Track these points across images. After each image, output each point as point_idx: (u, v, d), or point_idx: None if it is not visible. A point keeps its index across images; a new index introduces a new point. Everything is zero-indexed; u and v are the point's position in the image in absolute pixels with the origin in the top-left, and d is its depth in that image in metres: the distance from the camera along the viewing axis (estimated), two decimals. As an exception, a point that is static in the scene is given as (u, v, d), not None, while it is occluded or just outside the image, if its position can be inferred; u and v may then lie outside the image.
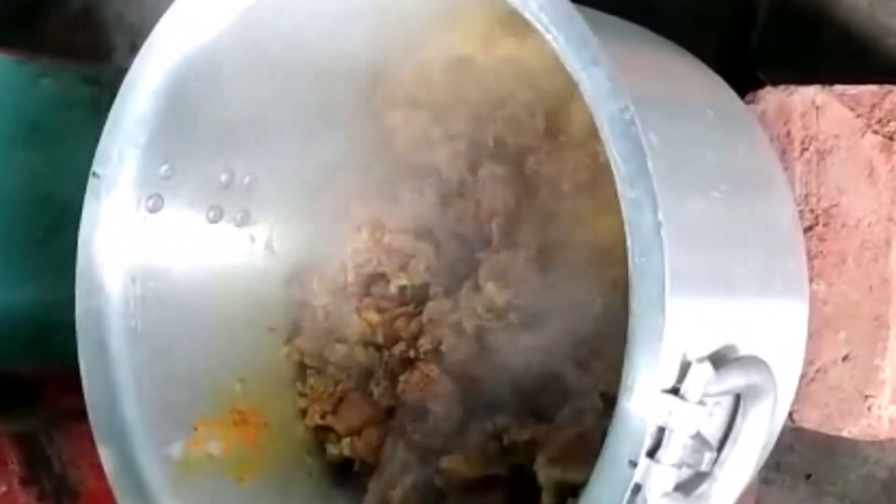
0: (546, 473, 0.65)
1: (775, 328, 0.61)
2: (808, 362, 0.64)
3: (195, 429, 0.72)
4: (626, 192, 0.52)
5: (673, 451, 0.53)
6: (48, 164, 0.91)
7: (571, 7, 0.54)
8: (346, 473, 0.76)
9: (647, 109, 0.54)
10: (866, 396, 0.63)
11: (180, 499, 0.69)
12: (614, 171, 0.52)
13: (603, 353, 0.66)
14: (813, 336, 0.64)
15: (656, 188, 0.51)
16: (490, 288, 0.70)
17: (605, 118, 0.53)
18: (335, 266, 0.77)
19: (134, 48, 0.72)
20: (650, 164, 0.51)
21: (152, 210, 0.71)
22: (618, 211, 0.58)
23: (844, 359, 0.64)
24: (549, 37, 0.54)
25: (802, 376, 0.64)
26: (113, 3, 1.06)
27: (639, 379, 0.52)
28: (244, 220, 0.76)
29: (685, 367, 0.53)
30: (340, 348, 0.76)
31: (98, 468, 0.70)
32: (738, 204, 0.60)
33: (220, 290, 0.75)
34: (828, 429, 0.64)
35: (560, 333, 0.68)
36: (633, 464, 0.52)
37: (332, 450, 0.76)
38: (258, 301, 0.77)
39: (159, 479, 0.69)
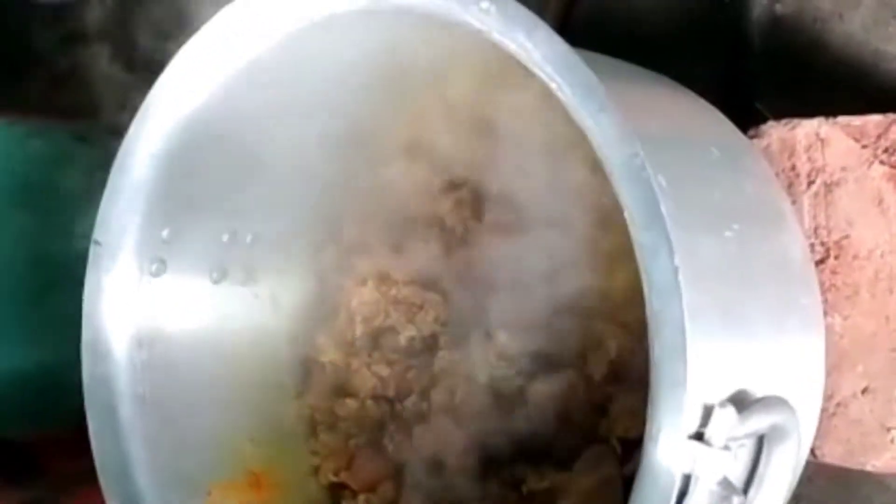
0: (569, 524, 0.65)
1: (793, 365, 0.60)
2: (828, 397, 0.64)
3: (209, 493, 0.71)
4: (641, 238, 0.51)
5: (699, 498, 0.52)
6: (41, 223, 0.90)
7: (575, 55, 0.54)
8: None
9: (655, 152, 0.53)
10: (888, 429, 0.63)
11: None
12: (627, 218, 0.52)
13: (619, 396, 0.66)
14: (831, 370, 0.63)
15: (671, 232, 0.51)
16: (501, 336, 0.69)
17: (615, 165, 0.52)
18: (342, 320, 0.76)
19: (124, 106, 0.71)
20: (663, 208, 0.51)
21: (155, 274, 0.70)
22: (629, 255, 0.59)
23: (864, 392, 0.64)
24: (553, 86, 0.54)
25: (823, 411, 0.63)
26: (100, 61, 1.06)
27: (664, 428, 0.51)
28: (248, 279, 0.76)
29: (708, 412, 0.53)
30: (351, 403, 0.75)
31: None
32: (751, 242, 0.59)
33: (226, 350, 0.74)
34: (851, 463, 0.64)
35: (575, 379, 0.67)
36: (663, 518, 0.51)
37: None
38: (266, 359, 0.76)
39: (176, 547, 0.68)
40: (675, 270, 0.50)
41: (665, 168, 0.53)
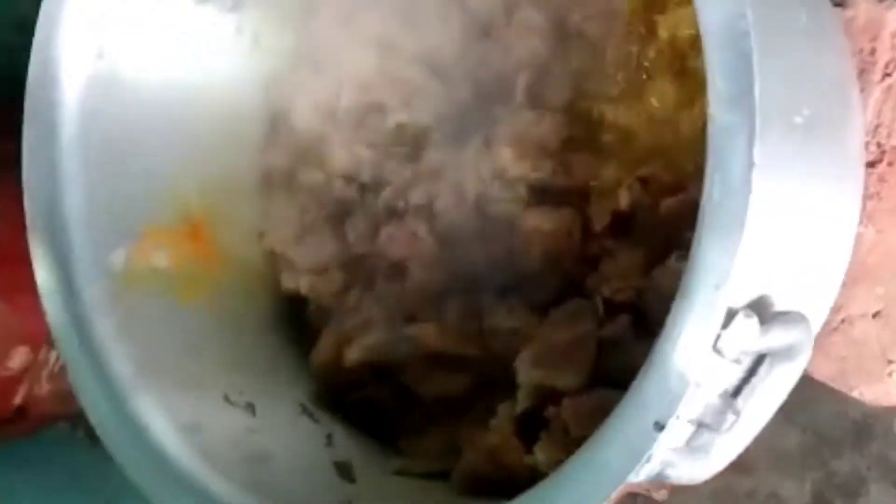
0: (528, 373, 0.59)
1: (815, 271, 0.55)
2: (835, 309, 0.58)
3: (142, 235, 0.64)
4: (721, 117, 0.44)
5: (694, 407, 0.47)
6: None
7: None
8: (299, 321, 0.70)
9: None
10: (889, 361, 0.58)
11: (115, 315, 0.61)
12: (709, 88, 0.44)
13: (616, 254, 0.59)
14: (847, 283, 0.57)
15: (758, 121, 0.44)
16: (505, 154, 0.61)
17: (713, 23, 0.44)
18: (328, 83, 0.67)
19: None
20: (757, 90, 0.44)
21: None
22: (669, 106, 0.52)
23: (875, 315, 0.58)
24: None
25: (826, 324, 0.58)
26: None
27: (687, 330, 0.45)
28: (235, 5, 0.67)
29: (730, 317, 0.47)
30: (317, 175, 0.68)
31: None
32: (817, 132, 0.52)
33: (194, 82, 0.66)
34: (840, 385, 0.59)
35: (572, 221, 0.61)
36: (660, 426, 0.46)
37: (289, 282, 0.69)
38: (233, 104, 0.68)
39: (96, 292, 0.61)
40: (751, 166, 0.44)
41: (755, 32, 0.46)
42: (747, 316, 0.47)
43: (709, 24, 0.44)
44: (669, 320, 0.45)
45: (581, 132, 0.62)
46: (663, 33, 0.58)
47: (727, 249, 0.44)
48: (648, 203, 0.58)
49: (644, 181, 0.59)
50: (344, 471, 0.63)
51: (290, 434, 0.64)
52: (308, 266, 0.68)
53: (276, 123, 0.69)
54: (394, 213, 0.65)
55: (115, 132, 0.63)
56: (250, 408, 0.64)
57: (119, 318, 0.61)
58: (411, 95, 0.65)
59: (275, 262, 0.69)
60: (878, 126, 0.58)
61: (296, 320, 0.70)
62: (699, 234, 0.45)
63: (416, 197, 0.64)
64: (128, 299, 0.62)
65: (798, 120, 0.50)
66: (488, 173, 0.62)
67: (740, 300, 0.47)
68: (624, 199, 0.59)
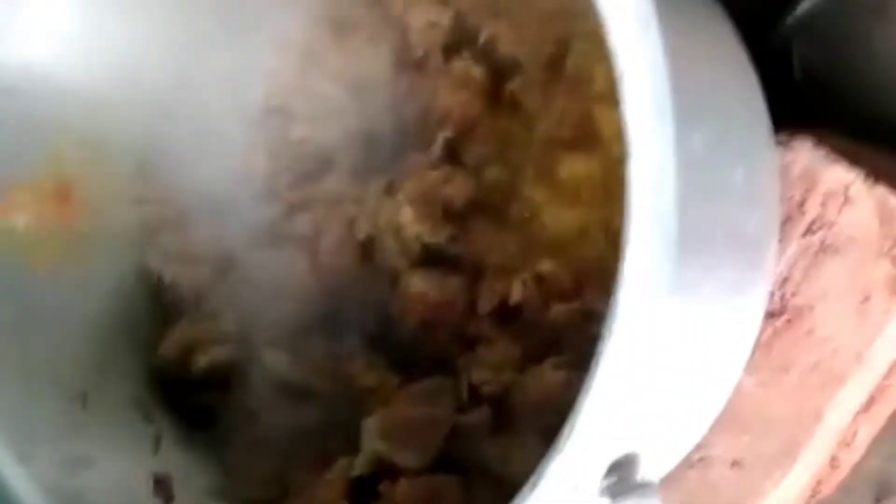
0: (371, 440, 0.56)
1: (690, 417, 0.53)
2: (697, 446, 0.57)
3: (6, 193, 0.59)
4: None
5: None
6: None
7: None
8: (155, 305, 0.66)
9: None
10: (739, 513, 0.57)
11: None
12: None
13: (495, 343, 0.57)
14: (713, 425, 0.56)
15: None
16: (406, 212, 0.58)
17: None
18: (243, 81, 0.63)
19: None
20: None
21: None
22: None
23: (734, 464, 0.57)
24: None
25: (685, 457, 0.56)
26: None
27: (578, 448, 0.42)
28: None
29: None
30: None
31: None
32: (721, 285, 0.50)
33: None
34: (682, 524, 0.58)
35: (458, 294, 0.58)
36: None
37: (153, 261, 0.64)
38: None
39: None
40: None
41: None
42: (607, 477, 0.45)
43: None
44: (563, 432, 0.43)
45: (491, 199, 0.59)
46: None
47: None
48: (539, 303, 0.56)
49: (539, 279, 0.56)
50: (161, 487, 0.59)
51: (117, 434, 0.60)
52: (176, 250, 0.64)
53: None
54: (275, 234, 0.62)
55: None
56: (82, 397, 0.60)
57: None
58: (323, 112, 0.61)
59: (147, 234, 0.65)
60: (786, 280, 0.56)
61: (152, 303, 0.66)
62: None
63: (302, 224, 0.61)
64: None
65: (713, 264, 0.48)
66: (384, 222, 0.59)
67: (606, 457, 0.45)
68: (516, 293, 0.56)
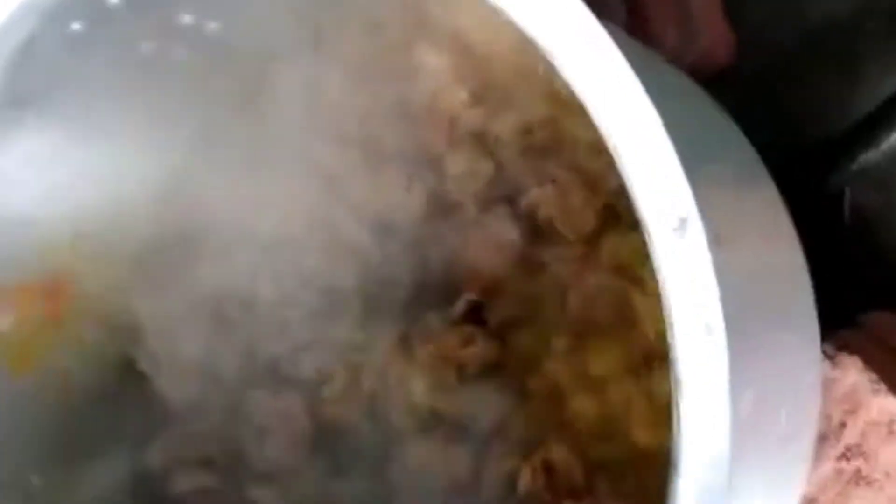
0: None
1: None
2: None
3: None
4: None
5: None
6: None
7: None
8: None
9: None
10: None
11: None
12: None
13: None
14: None
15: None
16: (417, 384, 0.54)
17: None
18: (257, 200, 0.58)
19: None
20: None
21: None
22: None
23: None
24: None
25: None
26: None
27: None
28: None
29: None
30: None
31: None
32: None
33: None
34: None
35: (460, 467, 0.54)
36: None
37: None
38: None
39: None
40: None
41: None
42: None
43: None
44: None
45: (510, 366, 0.55)
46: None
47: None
48: (547, 499, 0.52)
49: (550, 468, 0.52)
50: None
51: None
52: (168, 360, 0.60)
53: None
54: (276, 372, 0.58)
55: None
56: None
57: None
58: (340, 246, 0.57)
59: (137, 336, 0.61)
60: (813, 501, 0.52)
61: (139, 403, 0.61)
62: None
63: (307, 367, 0.56)
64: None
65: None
66: (393, 380, 0.55)
67: None
68: (524, 481, 0.52)
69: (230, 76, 0.56)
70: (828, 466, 0.52)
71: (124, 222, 0.59)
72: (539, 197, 0.53)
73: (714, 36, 0.68)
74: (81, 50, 0.50)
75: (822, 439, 0.53)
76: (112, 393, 0.60)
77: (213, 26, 0.54)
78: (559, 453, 0.52)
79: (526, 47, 0.37)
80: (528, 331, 0.55)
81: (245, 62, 0.56)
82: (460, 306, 0.55)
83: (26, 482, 0.55)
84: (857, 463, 0.52)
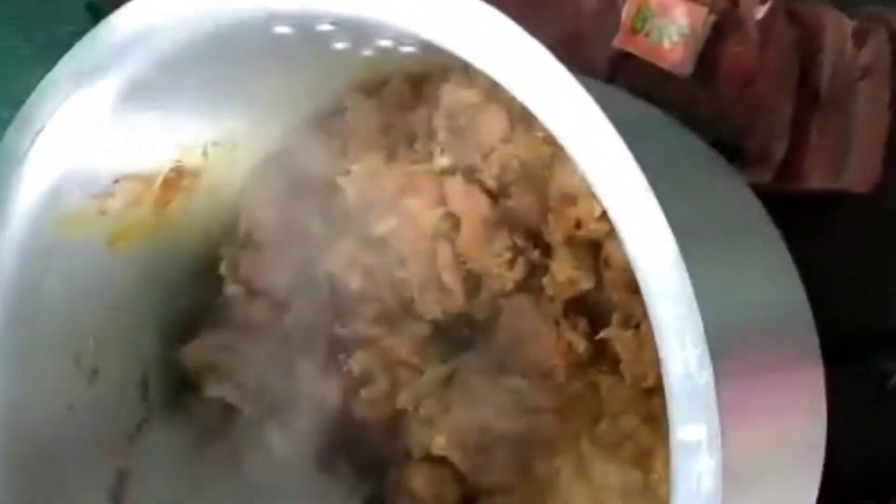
0: None
1: None
2: None
3: (116, 181, 0.57)
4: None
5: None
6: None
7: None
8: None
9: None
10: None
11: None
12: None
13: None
14: None
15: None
16: (439, 441, 0.58)
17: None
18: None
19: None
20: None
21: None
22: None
23: None
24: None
25: None
26: None
27: None
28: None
29: None
30: None
31: None
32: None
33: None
34: None
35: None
36: None
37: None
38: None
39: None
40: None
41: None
42: None
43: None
44: None
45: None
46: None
47: None
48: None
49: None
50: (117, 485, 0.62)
51: (108, 411, 0.62)
52: (246, 274, 0.64)
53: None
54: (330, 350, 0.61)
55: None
56: (93, 374, 0.61)
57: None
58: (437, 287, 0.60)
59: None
60: None
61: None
62: None
63: (355, 362, 0.60)
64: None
65: None
66: (424, 413, 0.59)
67: None
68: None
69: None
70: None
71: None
72: (618, 334, 0.56)
73: (863, 172, 0.67)
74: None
75: None
76: (185, 289, 0.65)
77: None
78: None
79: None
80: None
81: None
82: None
83: (83, 344, 0.60)
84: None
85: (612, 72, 0.62)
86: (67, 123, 0.54)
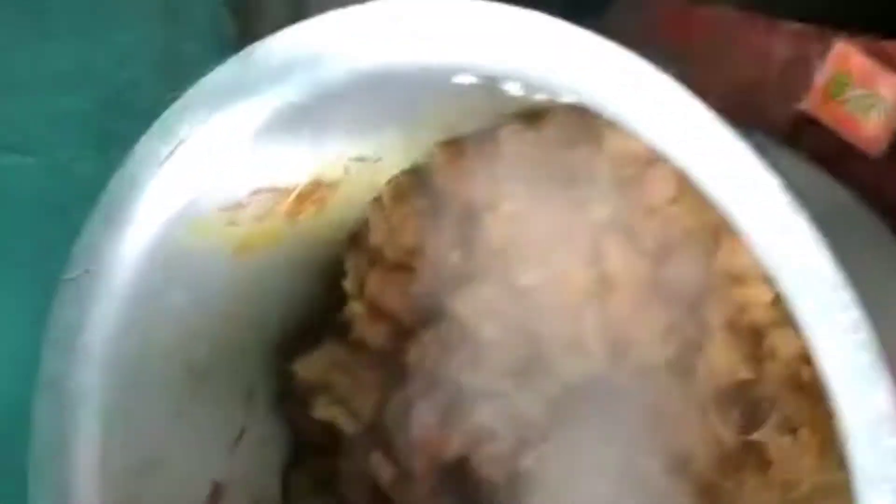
0: None
1: None
2: None
3: (251, 194, 0.54)
4: None
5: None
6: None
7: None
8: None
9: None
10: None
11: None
12: None
13: None
14: None
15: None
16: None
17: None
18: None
19: None
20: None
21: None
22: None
23: None
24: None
25: None
26: None
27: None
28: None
29: None
30: None
31: None
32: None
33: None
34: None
35: None
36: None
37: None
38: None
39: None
40: None
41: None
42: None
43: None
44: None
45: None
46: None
47: None
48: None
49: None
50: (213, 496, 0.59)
51: (214, 419, 0.59)
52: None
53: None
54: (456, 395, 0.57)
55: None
56: (203, 381, 0.58)
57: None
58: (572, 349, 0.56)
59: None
60: None
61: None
62: None
63: (483, 413, 0.56)
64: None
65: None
66: (543, 479, 0.55)
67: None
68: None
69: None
70: None
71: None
72: (775, 438, 0.51)
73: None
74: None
75: None
76: (303, 300, 0.62)
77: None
78: None
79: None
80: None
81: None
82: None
83: (196, 350, 0.57)
84: None
85: (795, 134, 0.57)
86: (209, 139, 0.50)
